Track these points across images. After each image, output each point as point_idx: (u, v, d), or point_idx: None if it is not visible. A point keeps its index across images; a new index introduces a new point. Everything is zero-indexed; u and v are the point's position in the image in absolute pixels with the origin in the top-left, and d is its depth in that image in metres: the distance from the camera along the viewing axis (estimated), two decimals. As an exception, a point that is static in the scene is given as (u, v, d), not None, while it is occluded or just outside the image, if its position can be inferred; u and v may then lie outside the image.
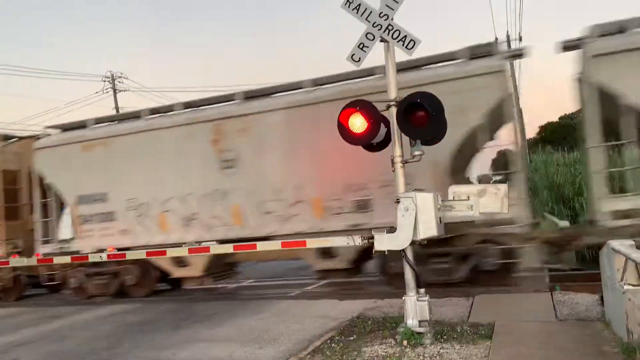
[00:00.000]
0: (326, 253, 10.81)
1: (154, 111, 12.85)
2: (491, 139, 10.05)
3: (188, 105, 12.44)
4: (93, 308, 11.40)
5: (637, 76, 8.88)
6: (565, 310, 7.47)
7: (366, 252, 10.41)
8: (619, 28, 9.35)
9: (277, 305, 9.73)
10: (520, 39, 26.81)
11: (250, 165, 11.24)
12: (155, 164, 12.05)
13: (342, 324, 7.73)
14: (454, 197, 6.58)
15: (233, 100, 11.88)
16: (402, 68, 9.96)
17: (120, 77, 35.18)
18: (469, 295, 8.88)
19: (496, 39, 22.35)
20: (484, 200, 6.42)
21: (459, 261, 10.10)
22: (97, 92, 36.60)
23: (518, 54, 10.87)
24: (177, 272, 12.29)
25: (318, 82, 11.06)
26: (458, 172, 10.23)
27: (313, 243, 8.50)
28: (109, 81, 34.90)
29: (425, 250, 9.74)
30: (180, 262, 12.04)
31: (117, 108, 33.89)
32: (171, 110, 12.50)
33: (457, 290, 9.53)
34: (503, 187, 6.54)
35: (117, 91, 35.12)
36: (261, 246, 9.18)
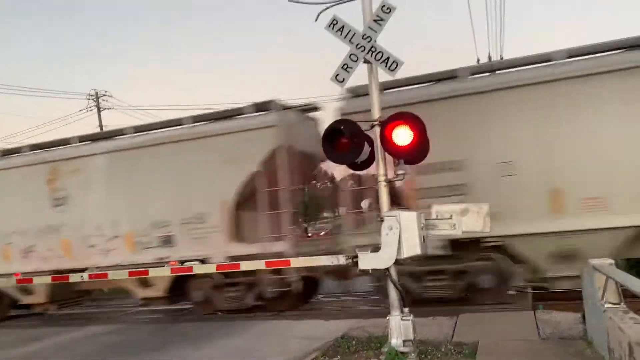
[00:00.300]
0: (145, 282, 11.97)
1: (6, 152, 14.27)
2: (270, 181, 11.27)
3: (35, 147, 13.87)
4: (74, 329, 11.19)
5: None
6: (548, 328, 7.51)
7: (178, 282, 11.82)
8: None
9: (262, 325, 9.65)
10: (502, 59, 27.20)
11: (78, 203, 12.59)
12: (2, 200, 13.49)
13: (327, 344, 7.68)
14: (436, 216, 6.61)
15: (69, 144, 13.16)
16: (200, 120, 12.07)
17: (104, 95, 34.98)
18: (454, 314, 8.89)
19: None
20: (466, 219, 6.47)
21: (247, 289, 11.54)
22: (81, 110, 36.37)
23: (311, 109, 12.25)
24: (25, 299, 13.35)
25: (139, 130, 12.60)
26: (243, 208, 11.51)
27: (298, 262, 8.49)
28: (93, 99, 34.68)
29: (224, 279, 11.53)
30: (26, 290, 13.10)
31: (101, 126, 33.61)
32: (19, 152, 13.88)
33: (441, 310, 9.54)
34: (485, 206, 6.60)
35: (101, 109, 34.89)
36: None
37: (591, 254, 7.79)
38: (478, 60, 23.44)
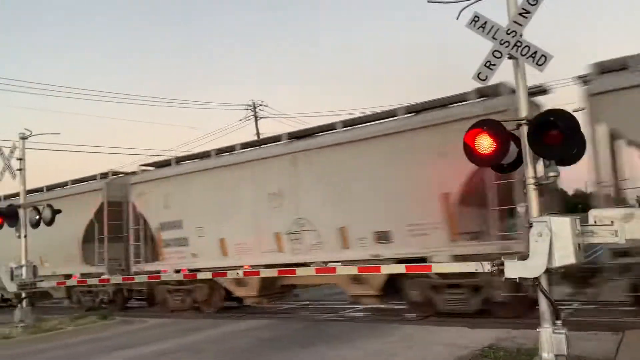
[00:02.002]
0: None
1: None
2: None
3: None
4: (230, 323, 12.06)
5: None
6: None
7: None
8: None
9: (402, 330, 9.57)
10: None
11: None
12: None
13: (472, 353, 7.37)
14: (595, 222, 6.03)
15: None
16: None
17: (261, 104, 37.29)
18: (618, 329, 8.03)
19: None
20: (631, 226, 5.80)
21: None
22: (240, 120, 39.13)
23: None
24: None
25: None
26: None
27: (438, 268, 8.31)
28: (251, 109, 37.11)
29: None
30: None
31: (258, 134, 35.80)
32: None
33: (604, 325, 8.69)
34: (653, 211, 5.85)
35: (258, 118, 37.21)
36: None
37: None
38: None
